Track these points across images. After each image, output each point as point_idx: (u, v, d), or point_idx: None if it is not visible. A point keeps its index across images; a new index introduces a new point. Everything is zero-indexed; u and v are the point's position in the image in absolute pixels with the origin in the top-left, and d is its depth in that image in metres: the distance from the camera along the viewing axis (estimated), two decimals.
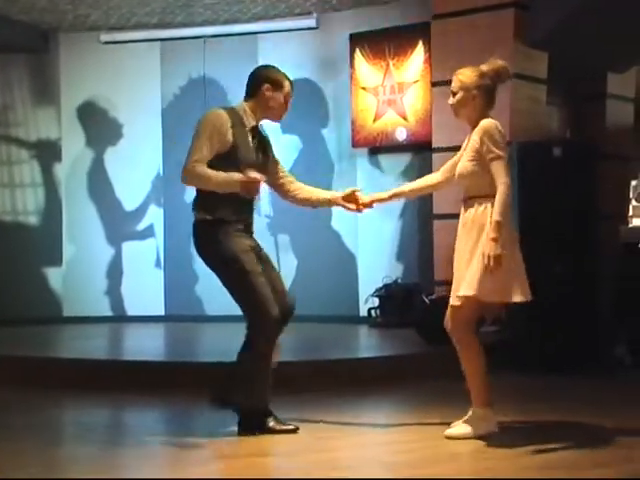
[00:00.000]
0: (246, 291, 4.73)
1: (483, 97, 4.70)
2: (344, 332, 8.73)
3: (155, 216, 10.11)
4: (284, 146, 8.80)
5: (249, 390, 4.78)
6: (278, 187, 5.11)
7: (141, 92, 10.09)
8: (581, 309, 7.13)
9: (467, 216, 4.66)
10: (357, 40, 9.33)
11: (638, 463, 4.23)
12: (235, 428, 4.80)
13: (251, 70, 5.05)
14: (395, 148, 9.24)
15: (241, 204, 4.83)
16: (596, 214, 7.44)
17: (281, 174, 5.09)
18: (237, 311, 4.85)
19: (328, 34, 9.59)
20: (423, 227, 8.81)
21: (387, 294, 8.91)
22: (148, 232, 10.13)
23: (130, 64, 10.10)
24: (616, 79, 8.63)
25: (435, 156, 8.03)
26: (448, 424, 4.73)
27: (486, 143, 4.59)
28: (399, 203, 9.09)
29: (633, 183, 10.62)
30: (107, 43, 10.06)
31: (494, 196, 4.54)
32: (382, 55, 9.22)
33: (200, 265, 4.96)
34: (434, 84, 8.31)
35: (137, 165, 10.07)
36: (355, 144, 9.43)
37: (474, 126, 4.70)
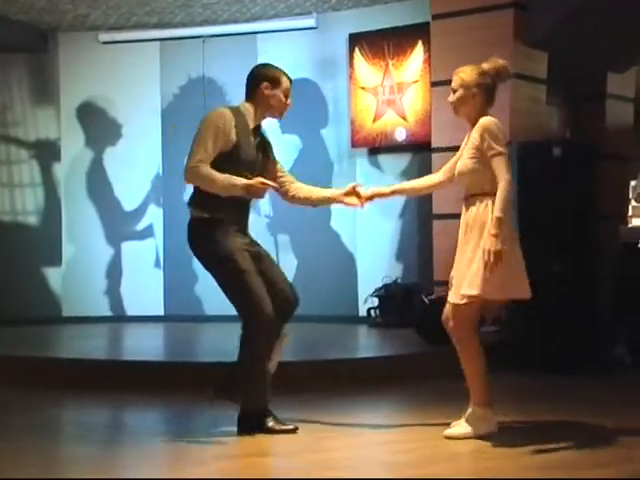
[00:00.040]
0: (241, 291, 4.73)
1: (483, 95, 4.71)
2: (344, 332, 8.73)
3: (154, 216, 10.10)
4: (284, 146, 8.79)
5: (249, 390, 4.79)
6: (277, 189, 5.10)
7: (140, 92, 10.08)
8: (581, 309, 7.12)
9: (469, 214, 4.66)
10: (356, 40, 9.33)
11: (638, 463, 4.23)
12: (234, 428, 4.81)
13: (250, 70, 5.06)
14: (394, 148, 9.24)
15: (238, 204, 4.83)
16: (596, 214, 7.44)
17: (281, 174, 5.09)
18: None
19: (327, 34, 9.59)
20: (423, 227, 8.81)
21: (387, 294, 8.91)
22: (147, 232, 10.13)
23: (129, 64, 10.09)
24: (616, 79, 8.63)
25: (434, 156, 8.03)
26: (448, 424, 4.73)
27: (486, 140, 4.59)
28: (399, 203, 9.11)
29: (633, 183, 10.64)
30: (106, 43, 10.05)
31: (495, 194, 4.54)
32: (381, 55, 9.22)
33: (200, 265, 4.95)
34: (434, 84, 8.30)
35: (136, 165, 10.07)
36: (354, 144, 9.43)
37: (473, 124, 4.71)
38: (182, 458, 4.40)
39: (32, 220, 10.21)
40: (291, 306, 4.88)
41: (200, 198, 4.84)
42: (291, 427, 4.81)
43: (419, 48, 8.98)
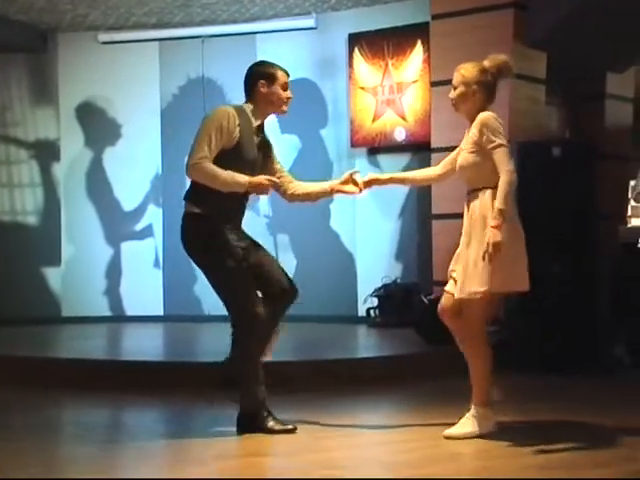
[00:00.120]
0: (232, 290, 4.74)
1: (483, 92, 4.72)
2: (343, 332, 8.73)
3: (154, 216, 10.10)
4: (283, 146, 8.78)
5: (244, 389, 4.79)
6: (278, 187, 5.11)
7: (140, 92, 10.08)
8: (580, 309, 7.12)
9: (472, 209, 4.65)
10: (356, 40, 9.33)
11: (638, 463, 4.23)
12: (234, 428, 4.81)
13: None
14: (394, 148, 9.24)
15: (234, 201, 4.83)
16: (595, 214, 7.45)
17: (280, 174, 5.09)
18: None
19: (327, 34, 9.59)
20: (422, 227, 8.82)
21: (386, 294, 8.92)
22: (147, 232, 10.13)
23: (129, 64, 10.09)
24: (615, 79, 8.63)
25: (434, 156, 8.02)
26: (448, 424, 4.73)
27: (485, 134, 4.60)
28: (398, 203, 9.11)
29: (632, 183, 10.64)
30: (105, 43, 10.05)
31: (497, 187, 4.53)
32: (381, 55, 9.22)
33: None
34: (433, 84, 8.31)
35: (136, 165, 10.07)
36: (354, 144, 9.43)
37: (473, 121, 4.71)
38: (182, 458, 4.40)
39: (31, 220, 10.21)
40: (289, 297, 4.88)
41: (195, 194, 4.84)
42: (290, 427, 4.81)
43: (419, 48, 8.99)
